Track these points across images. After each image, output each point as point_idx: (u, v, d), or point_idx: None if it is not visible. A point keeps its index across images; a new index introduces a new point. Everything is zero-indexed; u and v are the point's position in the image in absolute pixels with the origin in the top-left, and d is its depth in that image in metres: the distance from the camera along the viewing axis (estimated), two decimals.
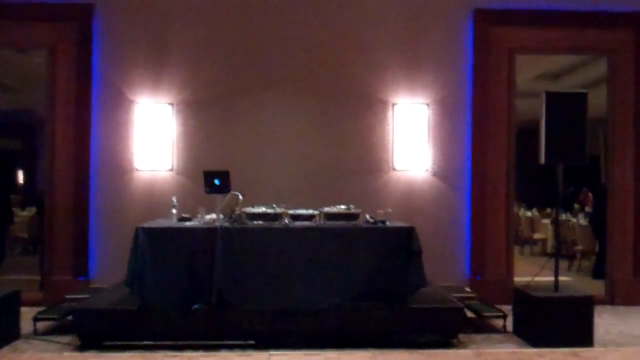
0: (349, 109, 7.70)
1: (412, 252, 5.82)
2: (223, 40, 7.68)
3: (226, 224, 5.88)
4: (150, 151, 7.58)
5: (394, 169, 7.70)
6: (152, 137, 7.58)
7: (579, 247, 10.96)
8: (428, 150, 7.70)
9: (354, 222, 6.03)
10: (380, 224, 6.03)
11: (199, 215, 6.27)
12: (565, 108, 5.85)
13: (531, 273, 6.93)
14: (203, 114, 7.66)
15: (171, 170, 7.62)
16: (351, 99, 7.70)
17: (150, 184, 7.62)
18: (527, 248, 14.62)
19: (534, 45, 7.83)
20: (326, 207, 6.22)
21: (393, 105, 7.69)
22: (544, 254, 13.41)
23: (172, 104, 7.62)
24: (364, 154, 7.72)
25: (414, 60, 7.72)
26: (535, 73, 15.34)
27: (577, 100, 5.88)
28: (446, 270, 7.69)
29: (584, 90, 5.93)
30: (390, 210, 6.40)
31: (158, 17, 7.66)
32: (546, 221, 13.85)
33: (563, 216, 13.88)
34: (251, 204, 6.33)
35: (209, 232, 5.75)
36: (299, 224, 5.97)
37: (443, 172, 7.75)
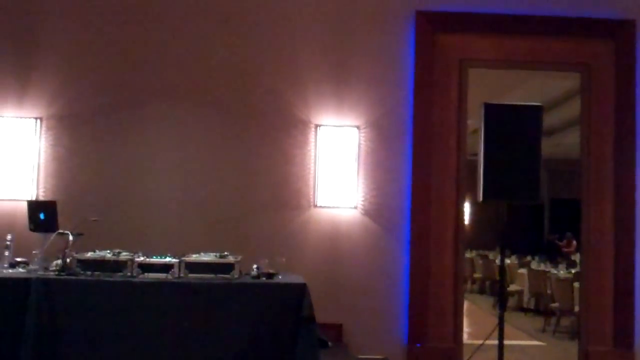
0: (262, 129, 6.23)
1: (301, 320, 4.29)
2: (109, 42, 6.26)
3: (50, 274, 4.35)
4: (10, 177, 6.07)
5: (315, 205, 6.19)
6: (14, 159, 6.08)
7: (556, 305, 9.38)
8: (358, 182, 6.21)
9: (226, 276, 4.50)
10: (264, 279, 4.52)
11: (36, 260, 4.77)
12: (512, 127, 4.39)
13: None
14: (78, 132, 6.18)
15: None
16: (264, 117, 6.23)
17: (10, 217, 6.07)
18: None
19: (489, 57, 6.40)
20: (205, 253, 4.72)
21: (316, 126, 6.22)
22: (520, 308, 11.91)
23: (39, 119, 6.13)
24: (278, 186, 6.22)
25: (344, 73, 6.28)
26: None
27: (528, 116, 4.41)
28: (378, 335, 6.15)
29: (537, 103, 4.46)
30: (284, 259, 4.89)
31: (28, 11, 6.22)
32: (523, 271, 12.31)
33: (542, 266, 12.37)
34: (122, 247, 4.87)
35: (19, 284, 4.20)
36: (150, 276, 4.43)
37: (376, 210, 6.24)
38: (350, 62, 6.29)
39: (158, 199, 6.13)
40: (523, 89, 11.96)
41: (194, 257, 4.56)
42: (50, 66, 6.18)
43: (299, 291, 4.37)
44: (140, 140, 6.19)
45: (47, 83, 6.16)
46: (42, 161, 6.13)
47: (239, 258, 4.63)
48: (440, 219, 6.26)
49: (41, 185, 6.12)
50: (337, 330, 6.04)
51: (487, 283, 15.12)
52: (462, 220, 6.33)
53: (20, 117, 6.11)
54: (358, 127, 6.22)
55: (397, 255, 6.23)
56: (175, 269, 4.46)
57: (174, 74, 6.23)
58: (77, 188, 6.09)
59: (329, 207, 6.20)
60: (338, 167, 6.18)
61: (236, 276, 4.51)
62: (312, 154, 6.21)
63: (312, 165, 6.21)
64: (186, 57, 6.25)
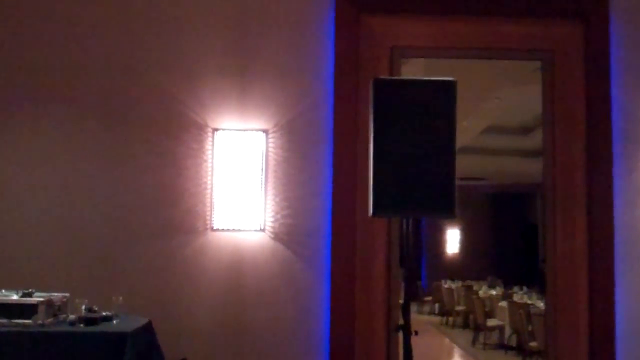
0: (146, 136, 5.05)
1: None
2: None
3: None
4: None
5: (213, 229, 4.97)
6: None
7: (534, 344, 8.08)
8: (266, 199, 5.00)
9: (27, 322, 3.29)
10: (82, 325, 3.31)
11: None
12: (414, 112, 3.18)
13: None
14: None
15: None
16: (149, 121, 5.06)
17: None
18: (482, 336, 11.74)
19: (428, 43, 5.20)
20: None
21: (214, 131, 5.03)
22: (502, 345, 10.62)
23: None
24: (167, 206, 5.02)
25: (249, 65, 5.12)
26: (493, 123, 12.84)
27: (436, 97, 3.19)
28: None
29: (449, 78, 3.26)
30: (121, 298, 3.70)
31: None
32: (504, 304, 11.02)
33: (525, 298, 11.11)
34: None
35: None
36: None
37: (289, 233, 5.03)
38: (256, 53, 5.12)
39: (15, 226, 4.93)
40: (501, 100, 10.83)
41: None
42: None
43: (119, 343, 3.15)
44: (4, 157, 5.01)
45: None
46: None
47: (54, 296, 3.43)
48: (368, 243, 5.05)
49: None
50: None
51: (471, 317, 13.82)
52: (395, 242, 5.10)
53: None
54: (266, 132, 5.04)
55: (315, 287, 5.01)
56: None
57: (38, 73, 5.06)
58: None
59: (229, 231, 4.98)
60: (241, 180, 4.98)
61: (40, 322, 3.29)
62: (209, 164, 5.02)
63: (209, 178, 5.01)
64: (52, 53, 5.08)
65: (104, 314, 3.61)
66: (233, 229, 4.97)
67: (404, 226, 3.53)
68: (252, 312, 4.95)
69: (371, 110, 3.26)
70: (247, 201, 4.96)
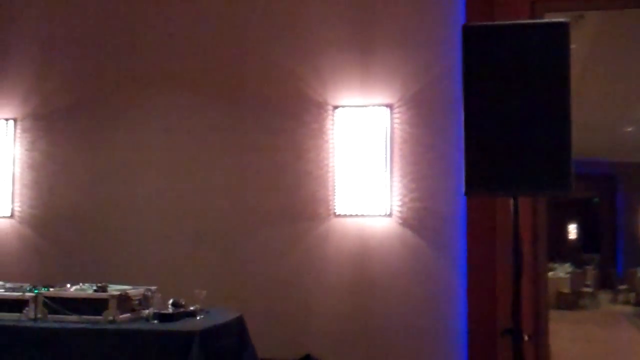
0: (265, 118, 4.80)
1: None
2: (88, 26, 5.17)
3: None
4: None
5: (335, 214, 4.62)
6: None
7: None
8: (392, 181, 4.55)
9: (98, 317, 3.11)
10: (156, 321, 3.08)
11: None
12: (516, 66, 2.56)
13: None
14: (56, 134, 5.14)
15: (11, 217, 5.14)
16: (268, 102, 4.80)
17: None
18: None
19: None
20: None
21: (334, 108, 4.67)
22: None
23: (14, 120, 5.18)
24: (288, 190, 4.74)
25: (369, 35, 4.69)
26: None
27: (541, 46, 2.54)
28: None
29: (562, 19, 2.57)
30: (204, 292, 3.44)
31: None
32: None
33: None
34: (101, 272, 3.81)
35: None
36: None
37: (418, 218, 4.53)
38: (377, 22, 4.68)
39: (143, 210, 4.92)
40: None
41: (55, 290, 3.22)
42: (22, 65, 5.20)
43: (184, 343, 2.86)
44: (124, 140, 5.02)
45: (21, 76, 5.19)
46: (17, 169, 5.16)
47: (132, 290, 3.23)
48: (508, 225, 4.40)
49: (16, 199, 5.14)
50: None
51: None
52: (543, 226, 4.43)
53: None
54: (390, 106, 4.59)
55: (449, 277, 4.48)
56: (31, 307, 3.15)
57: (162, 61, 5.00)
58: (55, 199, 5.07)
59: (353, 216, 4.59)
60: (365, 161, 4.57)
61: (110, 318, 3.10)
62: (330, 145, 4.67)
63: (330, 159, 4.66)
64: (174, 35, 5.00)
65: (190, 308, 3.37)
66: (357, 215, 4.57)
67: (513, 206, 2.94)
68: (380, 305, 4.53)
69: (463, 67, 2.69)
70: (372, 184, 4.54)
